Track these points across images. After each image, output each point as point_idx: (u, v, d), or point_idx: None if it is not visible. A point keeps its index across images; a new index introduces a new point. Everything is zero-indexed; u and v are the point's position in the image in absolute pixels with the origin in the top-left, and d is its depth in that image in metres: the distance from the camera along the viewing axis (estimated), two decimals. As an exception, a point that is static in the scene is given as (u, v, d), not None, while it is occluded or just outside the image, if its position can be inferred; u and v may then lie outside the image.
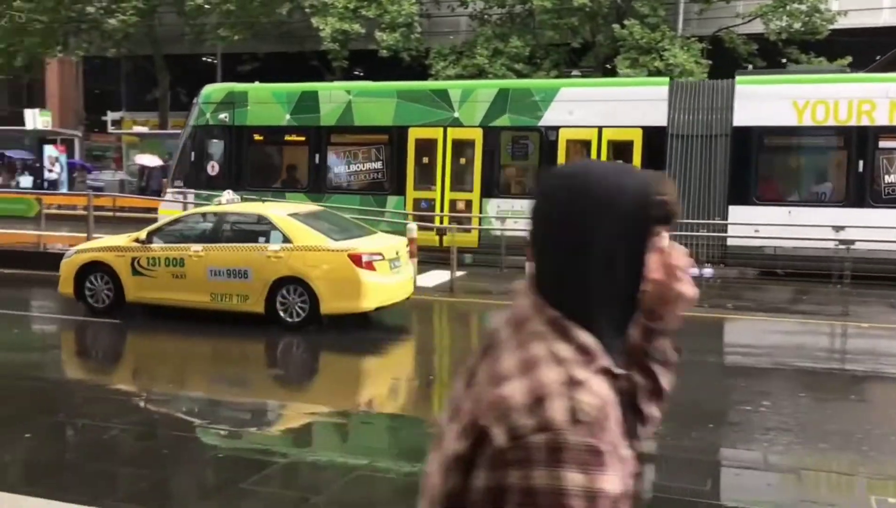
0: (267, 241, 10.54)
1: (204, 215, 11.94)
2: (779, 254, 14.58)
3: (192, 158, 18.75)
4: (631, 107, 15.78)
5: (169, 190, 18.72)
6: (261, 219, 10.99)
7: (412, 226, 13.94)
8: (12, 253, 15.43)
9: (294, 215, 11.04)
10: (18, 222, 19.08)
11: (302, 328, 10.19)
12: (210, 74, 29.28)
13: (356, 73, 27.67)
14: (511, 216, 15.81)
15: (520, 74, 23.31)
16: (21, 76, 31.05)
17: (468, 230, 16.29)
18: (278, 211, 11.36)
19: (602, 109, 15.94)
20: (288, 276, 10.27)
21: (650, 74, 21.48)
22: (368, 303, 10.25)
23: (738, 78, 16.00)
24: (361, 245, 10.51)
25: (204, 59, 32.58)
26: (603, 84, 17.36)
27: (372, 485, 5.50)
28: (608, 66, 24.54)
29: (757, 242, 14.52)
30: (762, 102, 15.09)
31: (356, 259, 10.10)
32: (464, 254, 15.57)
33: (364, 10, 25.20)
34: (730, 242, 15.17)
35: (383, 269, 10.42)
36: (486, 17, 26.28)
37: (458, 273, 14.01)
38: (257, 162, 18.75)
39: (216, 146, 18.61)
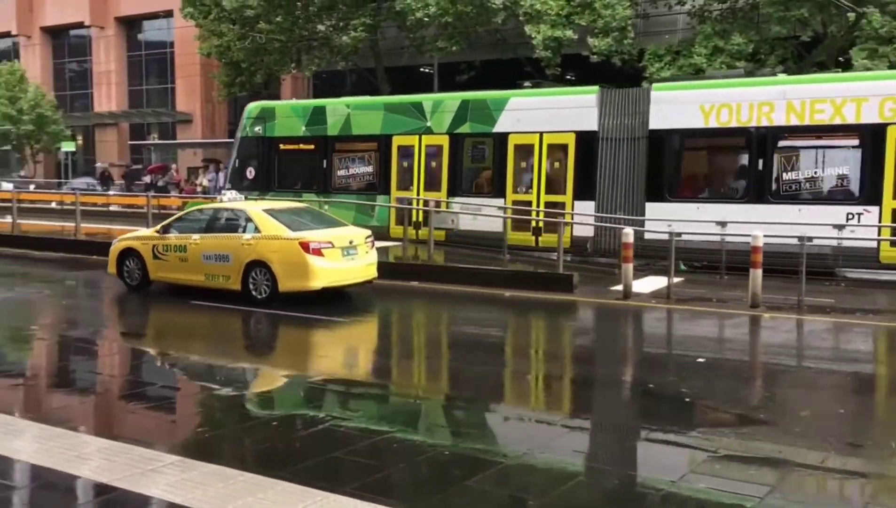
0: (244, 231, 12.75)
1: (202, 210, 14.35)
2: (689, 248, 15.07)
3: (237, 165, 22.13)
4: (566, 114, 17.41)
5: (224, 192, 20.93)
6: (242, 214, 13.13)
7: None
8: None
9: (269, 211, 13.07)
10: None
11: (268, 304, 12.16)
12: (428, 84, 30.45)
13: (568, 77, 27.67)
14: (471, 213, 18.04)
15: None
16: (260, 91, 33.86)
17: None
18: (256, 207, 13.52)
19: (543, 117, 17.63)
20: (256, 260, 12.40)
21: (891, 67, 19.76)
22: (316, 283, 12.16)
23: (654, 85, 17.39)
24: (314, 235, 12.37)
25: (422, 69, 33.89)
26: (543, 94, 18.56)
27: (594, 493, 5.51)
28: (841, 59, 22.83)
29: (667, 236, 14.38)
30: (674, 106, 16.24)
31: (305, 246, 12.09)
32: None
33: (577, 16, 25.08)
34: (646, 236, 15.86)
35: (333, 255, 12.34)
36: (705, 13, 25.28)
37: (675, 279, 13.62)
38: (283, 167, 21.49)
39: (253, 155, 21.82)
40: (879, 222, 14.30)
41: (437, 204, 18.70)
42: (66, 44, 51.75)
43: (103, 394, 8.29)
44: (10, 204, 22.30)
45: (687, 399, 7.95)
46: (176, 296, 13.37)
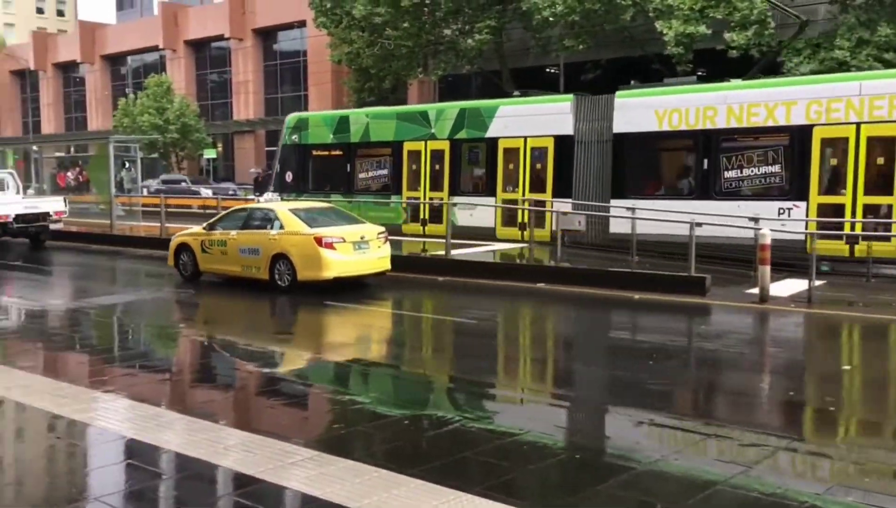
0: (272, 228, 14.32)
1: (242, 209, 16.03)
2: (648, 240, 16.13)
3: (279, 170, 24.66)
4: (545, 119, 19.27)
5: (266, 194, 24.66)
6: (271, 212, 14.75)
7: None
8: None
9: (293, 210, 14.62)
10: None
11: (290, 292, 13.76)
12: (553, 84, 30.27)
13: (699, 73, 26.81)
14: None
15: (889, 65, 20.91)
16: (388, 97, 34.64)
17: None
18: (283, 207, 15.15)
19: (526, 123, 19.50)
20: (280, 252, 14.01)
21: None
22: (328, 273, 13.66)
23: (617, 92, 18.39)
24: (327, 231, 13.85)
25: (547, 70, 33.74)
26: (527, 102, 20.10)
27: None
28: None
29: (629, 229, 16.12)
30: (633, 111, 17.72)
31: (319, 240, 13.62)
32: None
33: (711, 10, 24.25)
34: (611, 229, 17.57)
35: (345, 249, 13.83)
36: (848, 2, 23.94)
37: (817, 282, 12.97)
38: (315, 171, 23.86)
39: (291, 160, 24.23)
40: (807, 216, 15.42)
41: (437, 204, 20.63)
42: (208, 56, 54.59)
43: (242, 389, 8.70)
44: (158, 209, 23.86)
45: (831, 409, 7.57)
46: (304, 296, 13.86)
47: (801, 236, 14.92)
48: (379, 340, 11.57)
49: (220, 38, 51.43)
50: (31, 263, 20.42)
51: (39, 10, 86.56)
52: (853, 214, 15.07)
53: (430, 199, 20.99)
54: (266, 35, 50.34)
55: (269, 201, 16.05)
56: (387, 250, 14.70)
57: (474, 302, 14.18)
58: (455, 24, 31.51)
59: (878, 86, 14.99)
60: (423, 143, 21.25)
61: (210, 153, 51.25)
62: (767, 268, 12.62)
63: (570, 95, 19.41)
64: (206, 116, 50.84)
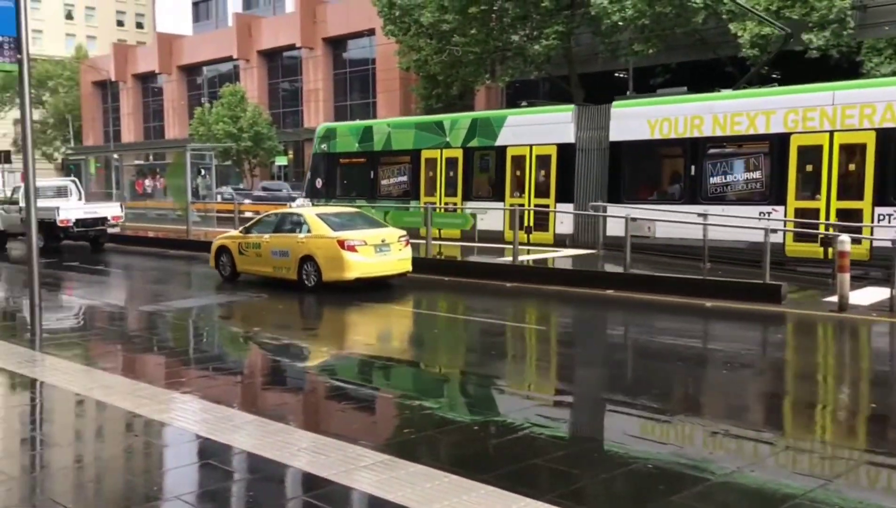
0: (300, 231, 15.16)
1: (275, 214, 16.80)
2: (642, 243, 16.83)
3: (310, 177, 26.35)
4: (548, 129, 20.28)
5: (298, 200, 26.60)
6: (300, 217, 15.63)
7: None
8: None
9: (320, 215, 15.47)
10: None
11: (315, 291, 14.57)
12: (621, 89, 29.90)
13: (773, 76, 26.16)
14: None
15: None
16: (455, 103, 34.76)
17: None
18: (311, 211, 16.32)
19: (532, 131, 20.50)
20: (307, 254, 14.80)
21: None
22: (350, 274, 14.40)
23: (614, 102, 19.32)
24: (350, 234, 14.56)
25: (616, 74, 33.38)
26: (532, 112, 21.22)
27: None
28: None
29: (622, 232, 15.65)
30: (627, 121, 18.62)
31: (341, 244, 14.36)
32: None
33: (787, 10, 23.61)
34: (609, 232, 18.04)
35: (366, 251, 14.54)
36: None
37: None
38: (343, 178, 25.18)
39: (322, 168, 25.59)
40: (784, 218, 16.05)
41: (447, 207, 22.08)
42: (280, 65, 55.67)
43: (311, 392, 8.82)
44: (231, 215, 24.51)
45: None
46: (333, 295, 14.00)
47: (780, 239, 15.73)
48: (452, 346, 11.56)
49: (292, 47, 52.39)
50: (107, 266, 21.14)
51: (119, 23, 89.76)
52: (827, 217, 15.68)
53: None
54: (336, 44, 51.09)
55: (301, 206, 17.03)
56: (408, 252, 15.44)
57: (541, 308, 14.10)
58: (523, 30, 31.41)
59: (850, 95, 15.52)
60: (438, 151, 22.39)
61: (281, 160, 52.21)
62: (847, 276, 12.20)
63: (572, 106, 20.93)
64: (278, 124, 51.84)
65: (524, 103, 22.53)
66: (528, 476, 5.67)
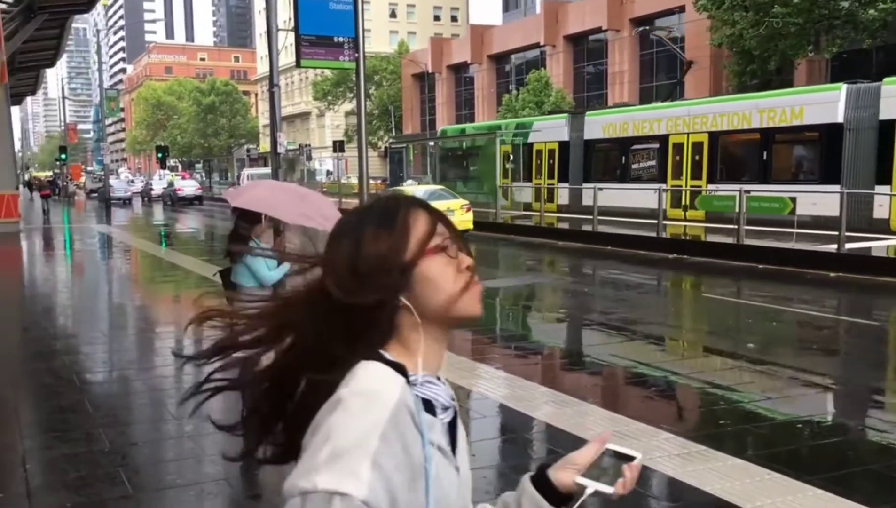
0: None
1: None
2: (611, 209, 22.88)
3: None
4: (553, 130, 29.82)
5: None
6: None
7: None
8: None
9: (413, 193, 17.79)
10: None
11: None
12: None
13: None
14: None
15: None
16: (772, 79, 32.45)
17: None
18: (407, 190, 18.18)
19: (545, 132, 30.04)
20: None
21: None
22: None
23: (587, 113, 29.79)
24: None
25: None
26: (542, 119, 32.27)
27: None
28: None
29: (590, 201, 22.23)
30: (591, 126, 28.23)
31: None
32: None
33: None
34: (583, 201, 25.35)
35: None
36: None
37: None
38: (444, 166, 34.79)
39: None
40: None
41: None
42: (585, 49, 55.78)
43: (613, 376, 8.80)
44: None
45: None
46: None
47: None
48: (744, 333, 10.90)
49: (598, 30, 52.22)
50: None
51: (436, 18, 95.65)
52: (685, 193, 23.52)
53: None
54: (643, 24, 50.03)
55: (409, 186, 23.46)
56: (469, 216, 21.30)
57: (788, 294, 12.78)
58: (855, -6, 28.41)
59: (700, 109, 23.83)
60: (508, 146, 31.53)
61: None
62: None
63: (566, 114, 30.79)
64: (582, 108, 52.07)
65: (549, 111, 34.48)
66: (863, 482, 5.19)
